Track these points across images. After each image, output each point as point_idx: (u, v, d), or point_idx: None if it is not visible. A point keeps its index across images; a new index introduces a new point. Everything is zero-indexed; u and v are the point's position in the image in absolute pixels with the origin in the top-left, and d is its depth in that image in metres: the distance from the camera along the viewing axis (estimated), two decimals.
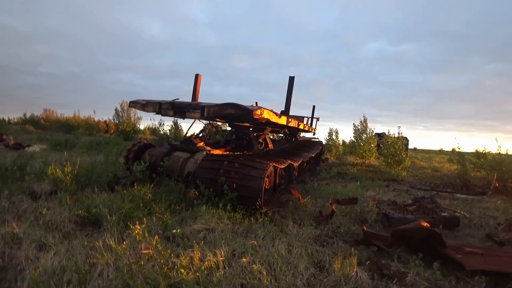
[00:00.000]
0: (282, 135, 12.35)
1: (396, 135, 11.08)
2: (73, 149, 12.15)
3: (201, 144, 5.49)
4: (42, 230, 3.29)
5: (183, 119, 5.04)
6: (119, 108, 18.17)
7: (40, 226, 3.40)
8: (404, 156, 10.91)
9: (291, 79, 6.17)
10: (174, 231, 3.04)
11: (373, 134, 12.62)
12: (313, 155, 9.14)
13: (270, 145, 8.04)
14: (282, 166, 5.13)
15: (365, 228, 3.41)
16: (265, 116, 4.39)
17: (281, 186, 6.60)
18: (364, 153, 12.15)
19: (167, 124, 16.24)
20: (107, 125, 23.48)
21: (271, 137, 18.49)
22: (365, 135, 12.32)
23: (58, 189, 4.85)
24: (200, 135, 12.40)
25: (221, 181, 4.26)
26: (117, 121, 17.96)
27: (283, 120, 5.63)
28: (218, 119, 4.96)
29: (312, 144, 11.06)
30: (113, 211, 3.75)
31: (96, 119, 25.89)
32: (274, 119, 5.00)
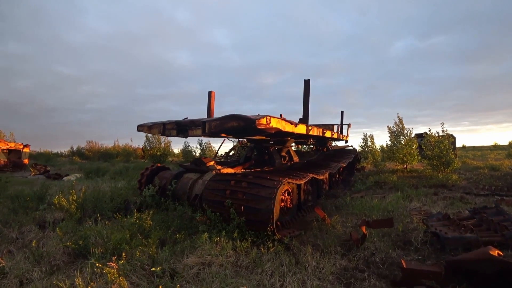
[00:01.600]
0: (313, 146, 11.59)
1: (440, 133, 9.76)
2: (104, 175, 12.44)
3: (212, 163, 5.00)
4: (31, 263, 3.10)
5: (186, 137, 4.61)
6: (149, 135, 18.61)
7: (30, 259, 3.20)
8: (452, 156, 9.55)
9: (307, 83, 5.54)
10: (153, 269, 2.53)
11: (412, 135, 11.32)
12: (344, 165, 8.26)
13: (295, 158, 7.36)
14: (300, 182, 4.44)
15: (404, 264, 2.55)
16: (274, 126, 3.79)
17: (308, 204, 5.86)
18: (404, 158, 10.88)
19: (195, 145, 16.21)
20: (143, 151, 24.55)
21: (297, 149, 17.72)
22: (402, 137, 11.07)
23: (65, 218, 4.67)
24: (231, 153, 12.05)
25: (227, 203, 3.70)
26: (148, 147, 18.37)
27: (301, 129, 4.98)
28: (224, 135, 4.46)
29: (344, 153, 10.14)
30: (104, 242, 3.37)
31: (133, 146, 27.35)
32: (289, 128, 4.38)
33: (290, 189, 4.94)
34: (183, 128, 4.55)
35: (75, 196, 4.88)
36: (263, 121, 3.51)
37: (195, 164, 5.21)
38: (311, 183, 6.20)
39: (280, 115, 4.24)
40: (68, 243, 3.32)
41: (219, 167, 4.87)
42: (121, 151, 26.75)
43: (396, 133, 11.27)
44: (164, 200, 5.04)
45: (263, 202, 3.49)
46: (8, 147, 16.04)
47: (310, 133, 5.55)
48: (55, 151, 29.63)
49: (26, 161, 16.56)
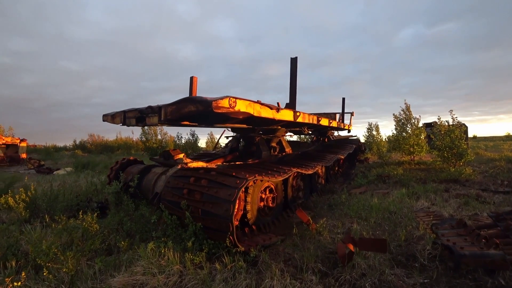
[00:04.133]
0: (313, 136, 10.76)
1: (451, 122, 8.79)
2: (95, 169, 11.92)
3: (180, 155, 4.25)
4: None
5: (144, 126, 3.88)
6: (145, 127, 17.96)
7: None
8: (465, 147, 8.61)
9: (294, 61, 4.71)
10: None
11: (420, 123, 10.34)
12: (342, 157, 7.45)
13: (287, 149, 6.56)
14: (277, 179, 3.66)
15: None
16: (242, 110, 3.02)
17: (298, 201, 5.10)
18: (411, 148, 9.96)
19: (184, 136, 15.44)
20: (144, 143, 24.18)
21: (298, 140, 16.87)
22: (409, 126, 10.11)
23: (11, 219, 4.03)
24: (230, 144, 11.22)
25: (183, 205, 2.97)
26: (144, 139, 17.72)
27: (285, 116, 4.18)
28: (187, 122, 3.70)
29: (344, 143, 9.29)
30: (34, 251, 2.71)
31: (134, 139, 26.95)
32: (267, 114, 3.59)
33: (273, 186, 4.19)
34: (141, 116, 3.82)
35: (23, 194, 4.22)
36: (224, 103, 2.74)
37: (163, 157, 4.48)
38: (302, 178, 5.43)
39: (258, 101, 3.45)
40: None
41: (188, 160, 4.12)
42: (122, 144, 26.54)
43: (403, 122, 10.32)
44: (127, 198, 4.35)
45: (221, 206, 2.74)
46: (5, 141, 15.69)
47: (300, 120, 4.74)
48: (61, 145, 29.55)
49: (23, 156, 16.22)
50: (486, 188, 6.25)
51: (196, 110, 2.89)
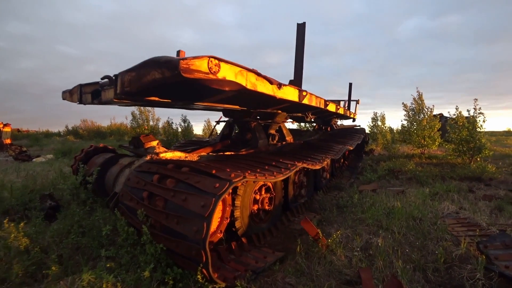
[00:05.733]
0: (315, 124, 9.86)
1: (472, 113, 7.89)
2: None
3: (153, 143, 3.34)
4: None
5: (100, 104, 2.96)
6: (136, 112, 16.88)
7: None
8: (483, 141, 7.77)
9: (301, 28, 3.74)
10: None
11: (433, 114, 9.45)
12: (351, 148, 6.56)
13: (288, 138, 5.67)
14: (277, 178, 2.76)
15: None
16: (229, 78, 2.09)
17: (300, 201, 4.24)
18: (422, 141, 9.08)
19: (176, 122, 14.28)
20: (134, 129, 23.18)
21: (295, 127, 15.86)
22: (422, 116, 9.19)
23: None
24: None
25: (140, 215, 2.09)
26: (135, 125, 16.63)
27: (288, 94, 3.25)
28: (154, 98, 2.78)
29: (350, 133, 8.39)
30: None
31: (129, 125, 25.91)
32: (265, 89, 2.67)
33: (270, 184, 3.31)
34: (97, 89, 2.89)
35: None
36: (200, 65, 1.82)
37: (132, 144, 3.56)
38: (306, 173, 4.56)
39: (254, 69, 2.51)
40: None
41: (162, 149, 3.21)
42: (115, 130, 25.56)
43: (414, 112, 9.40)
44: (86, 197, 3.48)
45: (190, 222, 1.84)
46: None
47: (306, 102, 3.82)
48: (55, 130, 28.47)
49: (7, 141, 15.18)
50: None
51: (163, 77, 1.97)
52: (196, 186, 1.95)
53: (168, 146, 7.13)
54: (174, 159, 2.90)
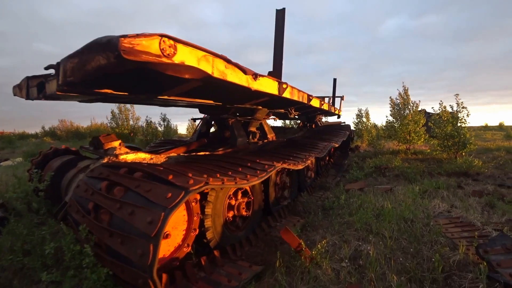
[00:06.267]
0: (300, 122, 9.60)
1: (455, 108, 7.80)
2: None
3: (114, 143, 2.92)
4: None
5: (45, 99, 2.53)
6: (116, 111, 16.18)
7: None
8: (468, 136, 7.70)
9: (280, 14, 3.39)
10: None
11: (419, 109, 9.35)
12: (337, 145, 6.30)
13: (270, 135, 5.33)
14: (251, 182, 2.41)
15: None
16: (188, 63, 1.72)
17: (283, 203, 3.91)
18: (408, 136, 8.96)
19: (156, 120, 13.73)
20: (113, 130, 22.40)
21: (279, 124, 15.59)
22: (407, 111, 9.06)
23: None
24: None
25: (82, 232, 1.69)
26: (114, 125, 15.93)
27: (266, 86, 2.91)
28: (107, 90, 2.37)
29: (335, 129, 8.15)
30: None
31: (109, 125, 25.03)
32: (238, 79, 2.31)
33: (248, 187, 2.95)
34: (42, 82, 2.46)
35: None
36: (149, 45, 1.46)
37: (93, 145, 3.13)
38: (289, 173, 4.23)
39: (223, 56, 2.13)
40: None
41: (123, 150, 2.79)
42: (94, 130, 24.66)
43: (400, 107, 9.27)
44: (39, 206, 3.03)
45: (134, 244, 1.47)
46: None
47: (287, 95, 3.48)
48: (32, 132, 27.15)
49: None
50: (502, 184, 5.30)
51: (108, 63, 1.57)
52: (145, 196, 1.57)
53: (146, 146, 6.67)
54: (133, 162, 2.50)
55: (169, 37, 1.58)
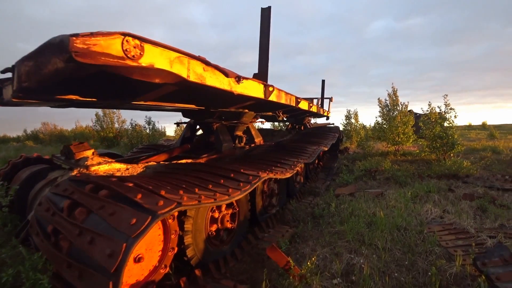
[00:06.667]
0: (288, 124, 9.44)
1: (443, 109, 7.80)
2: None
3: (87, 153, 2.68)
4: None
5: (2, 105, 2.28)
6: (100, 113, 15.70)
7: None
8: (456, 137, 7.70)
9: (265, 13, 3.22)
10: None
11: (408, 110, 9.34)
12: (326, 148, 6.17)
13: (257, 139, 5.16)
14: (232, 198, 2.21)
15: None
16: (159, 66, 1.52)
17: (271, 211, 3.72)
18: (397, 138, 8.93)
19: (141, 123, 13.30)
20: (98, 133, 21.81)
21: (268, 126, 15.48)
22: (396, 112, 9.03)
23: None
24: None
25: (38, 261, 1.47)
26: (99, 128, 15.45)
27: (251, 90, 2.73)
28: (74, 96, 2.15)
29: (324, 131, 8.05)
30: None
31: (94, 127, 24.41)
32: (218, 83, 2.12)
33: (237, 201, 2.75)
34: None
35: None
36: (109, 46, 1.25)
37: (64, 155, 2.87)
38: (277, 179, 4.05)
39: (200, 57, 1.94)
40: None
41: (96, 160, 2.55)
42: (78, 134, 23.99)
43: (389, 108, 9.24)
44: (3, 223, 2.76)
45: (92, 279, 1.26)
46: None
47: (273, 98, 3.31)
48: (13, 135, 26.21)
49: None
50: (492, 185, 5.27)
51: (66, 66, 1.36)
52: (107, 221, 1.36)
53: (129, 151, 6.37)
54: (104, 175, 2.26)
55: (134, 36, 1.38)
